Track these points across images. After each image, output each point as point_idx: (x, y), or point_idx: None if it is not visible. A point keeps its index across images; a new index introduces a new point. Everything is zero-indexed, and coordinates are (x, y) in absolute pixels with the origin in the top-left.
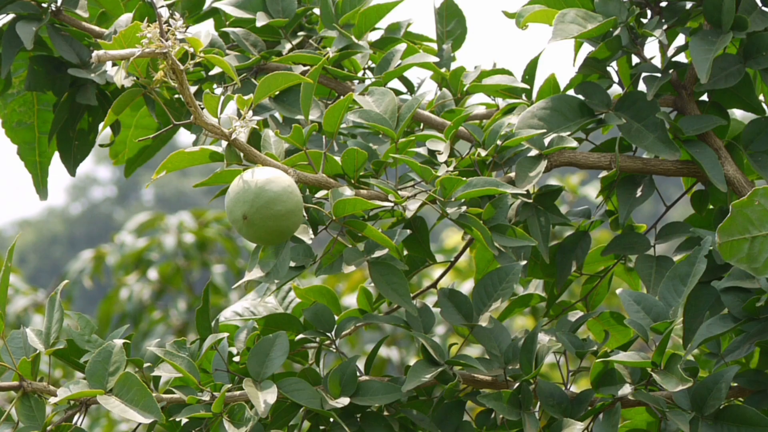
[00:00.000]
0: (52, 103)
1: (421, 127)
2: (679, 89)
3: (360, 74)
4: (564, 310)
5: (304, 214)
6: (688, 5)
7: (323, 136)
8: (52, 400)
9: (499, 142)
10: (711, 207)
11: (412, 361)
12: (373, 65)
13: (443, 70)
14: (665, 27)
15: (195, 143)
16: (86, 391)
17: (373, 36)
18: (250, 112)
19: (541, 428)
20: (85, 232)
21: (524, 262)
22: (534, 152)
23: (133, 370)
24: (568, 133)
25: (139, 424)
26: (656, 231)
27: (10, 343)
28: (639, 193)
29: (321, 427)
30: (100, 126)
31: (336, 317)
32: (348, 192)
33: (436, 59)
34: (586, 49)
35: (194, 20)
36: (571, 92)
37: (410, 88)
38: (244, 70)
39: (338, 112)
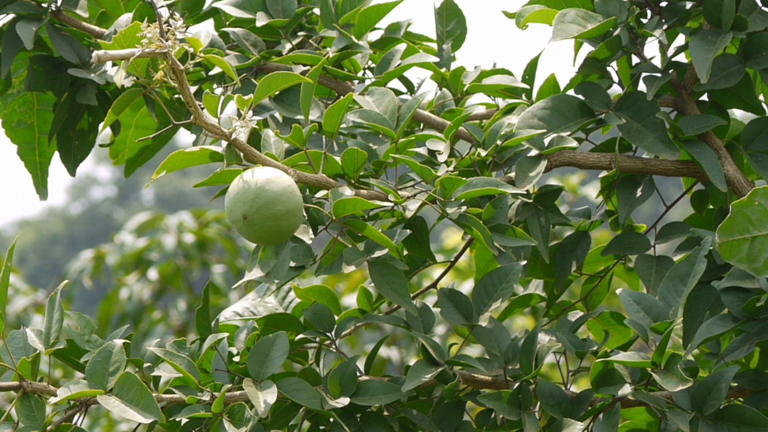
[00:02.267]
0: (52, 103)
1: (421, 127)
2: (679, 89)
3: (360, 74)
4: (564, 310)
5: (304, 214)
6: (688, 5)
7: (323, 136)
8: (52, 400)
9: (499, 142)
10: (711, 207)
11: (412, 361)
12: (373, 65)
13: (443, 70)
14: (665, 27)
15: (195, 143)
16: (86, 391)
17: (373, 36)
18: (250, 112)
19: (541, 428)
20: (85, 232)
21: (524, 262)
22: (534, 152)
23: (133, 370)
24: (568, 133)
25: (139, 424)
26: (656, 231)
27: (10, 343)
28: (639, 193)
29: (321, 427)
30: (100, 126)
31: (336, 317)
32: (348, 192)
33: (436, 59)
34: (586, 49)
35: (194, 20)
36: (571, 92)
37: (410, 88)
38: (244, 70)
39: (338, 112)
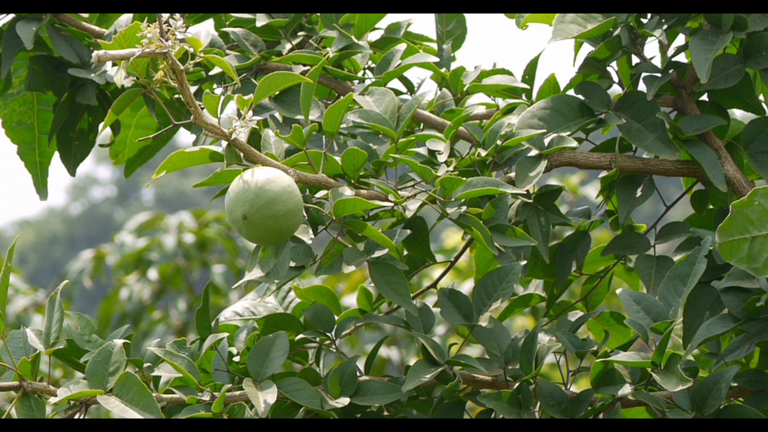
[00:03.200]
0: (52, 103)
1: (421, 127)
2: (679, 89)
3: (360, 74)
4: (564, 310)
5: (304, 214)
6: None
7: (323, 136)
8: (52, 400)
9: (499, 142)
10: (711, 207)
11: (412, 361)
12: (373, 65)
13: (443, 70)
14: (665, 27)
15: (195, 143)
16: (86, 391)
17: (373, 36)
18: (250, 112)
19: None
20: (85, 232)
21: (524, 262)
22: (534, 152)
23: (133, 370)
24: (568, 133)
25: None
26: (656, 231)
27: (10, 343)
28: (639, 193)
29: None
30: (100, 126)
31: (336, 317)
32: (348, 192)
33: (436, 59)
34: (586, 49)
35: (194, 20)
36: (571, 92)
37: (410, 88)
38: (244, 70)
39: (338, 112)
